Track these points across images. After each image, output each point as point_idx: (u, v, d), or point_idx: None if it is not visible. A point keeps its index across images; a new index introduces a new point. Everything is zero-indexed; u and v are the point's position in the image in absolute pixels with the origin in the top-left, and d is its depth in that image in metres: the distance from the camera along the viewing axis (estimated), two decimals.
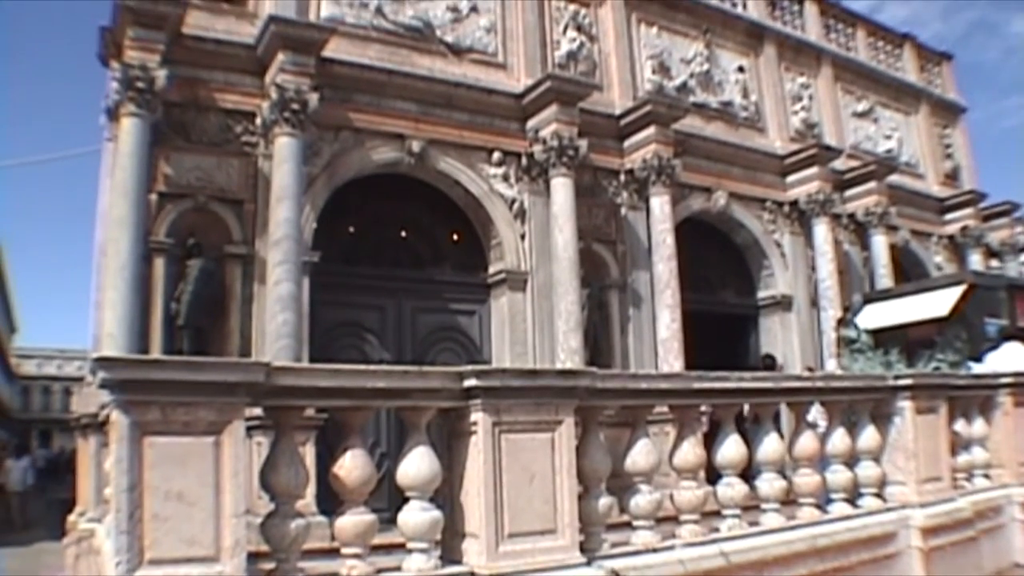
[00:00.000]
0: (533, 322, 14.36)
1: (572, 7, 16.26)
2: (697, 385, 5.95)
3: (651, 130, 15.38)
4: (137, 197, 11.38)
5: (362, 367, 4.98)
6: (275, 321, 11.62)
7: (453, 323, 14.62)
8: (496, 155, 14.55)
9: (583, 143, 14.52)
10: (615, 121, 15.79)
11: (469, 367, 4.72)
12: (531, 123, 14.74)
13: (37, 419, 62.50)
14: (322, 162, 13.23)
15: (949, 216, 22.20)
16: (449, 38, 14.82)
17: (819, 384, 7.13)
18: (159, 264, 11.77)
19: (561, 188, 14.35)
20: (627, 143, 15.80)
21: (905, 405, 7.28)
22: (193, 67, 12.48)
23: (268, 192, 12.35)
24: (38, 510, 23.68)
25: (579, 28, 16.12)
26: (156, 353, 11.18)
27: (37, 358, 68.23)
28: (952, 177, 23.03)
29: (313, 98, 12.41)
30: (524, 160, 14.69)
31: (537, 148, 14.52)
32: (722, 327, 17.92)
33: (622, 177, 15.78)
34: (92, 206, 13.06)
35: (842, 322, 15.10)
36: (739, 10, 19.05)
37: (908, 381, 7.30)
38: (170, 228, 11.98)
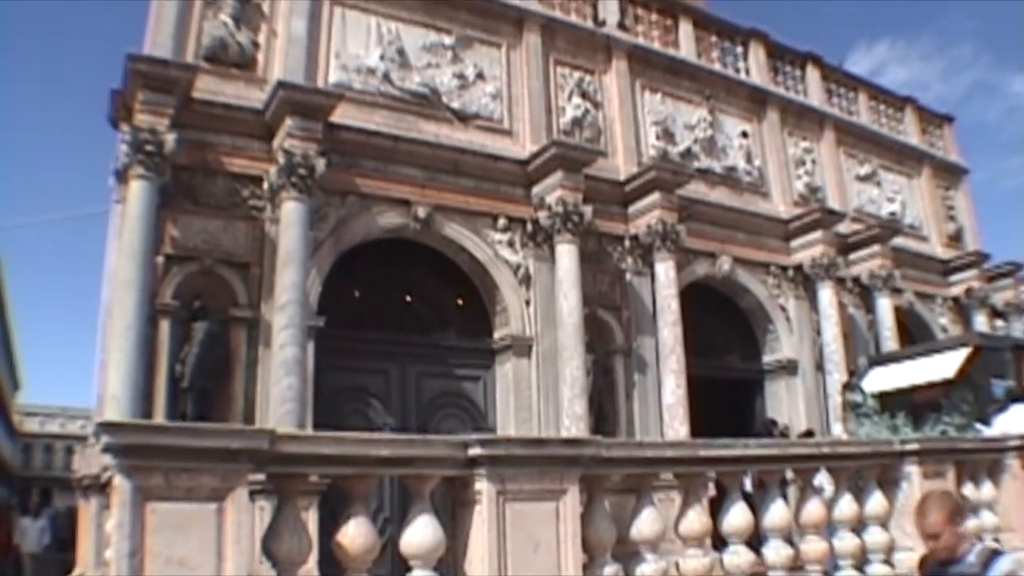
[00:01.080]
0: (538, 388, 14.32)
1: (577, 74, 16.54)
2: (703, 453, 5.93)
3: (655, 196, 15.49)
4: (144, 259, 11.45)
5: (366, 435, 4.99)
6: (279, 385, 11.61)
7: (458, 388, 14.58)
8: (501, 221, 14.67)
9: (588, 209, 14.61)
10: (620, 187, 15.91)
11: (473, 436, 4.73)
12: (536, 189, 14.87)
13: (38, 477, 61.94)
14: (328, 227, 13.32)
15: (953, 277, 22.17)
16: (455, 104, 15.03)
17: (825, 450, 7.10)
18: (164, 326, 11.78)
19: (566, 254, 14.43)
20: (632, 209, 15.91)
21: (912, 470, 7.23)
22: (202, 131, 12.64)
23: (274, 256, 12.42)
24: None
25: (584, 95, 16.36)
26: (160, 415, 11.21)
27: (40, 416, 67.84)
28: (956, 238, 23.08)
29: (320, 163, 12.56)
30: (529, 226, 14.79)
31: (542, 214, 14.63)
32: (727, 392, 17.82)
33: (627, 243, 15.85)
34: (99, 266, 13.15)
35: (847, 386, 15.05)
36: (742, 76, 19.33)
37: (915, 446, 7.26)
38: (176, 290, 12.02)
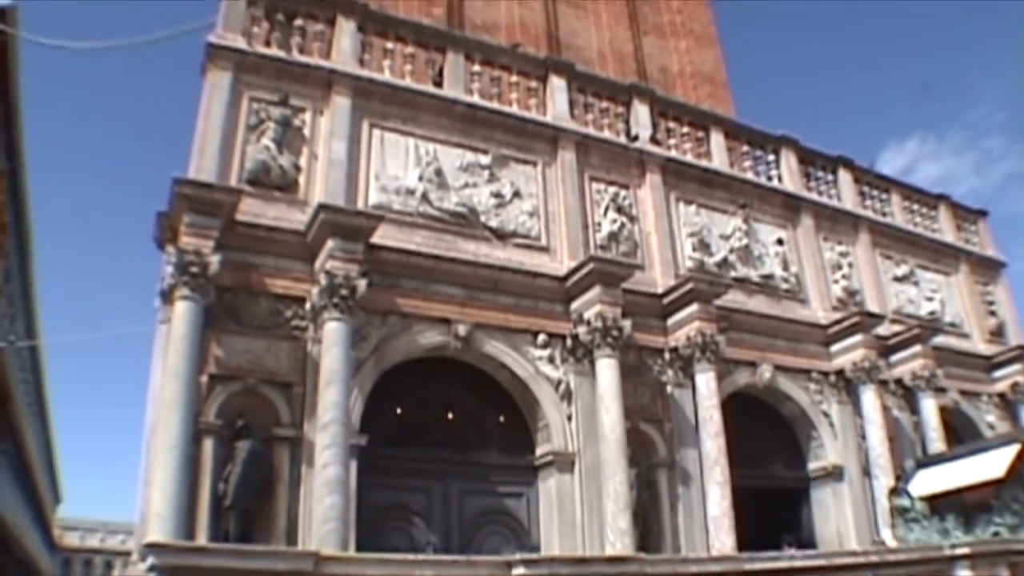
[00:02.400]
0: (581, 503, 14.19)
1: (612, 189, 16.83)
2: (748, 567, 5.91)
3: (694, 307, 15.56)
4: (188, 379, 11.63)
5: (410, 557, 5.03)
6: (322, 504, 11.62)
7: (500, 506, 14.50)
8: (541, 337, 14.77)
9: (627, 323, 14.70)
10: (658, 300, 16.03)
11: (517, 556, 4.75)
12: (575, 305, 15.00)
13: None
14: (370, 346, 13.47)
15: (998, 373, 21.85)
16: (493, 223, 15.29)
17: (873, 559, 7.03)
18: (208, 445, 11.90)
19: (606, 369, 14.45)
20: (670, 321, 15.99)
21: (964, 575, 7.12)
22: (245, 252, 12.97)
23: (317, 375, 12.56)
24: None
25: (619, 209, 16.61)
26: (203, 534, 11.29)
27: (80, 530, 67.94)
28: (997, 334, 22.84)
29: (361, 284, 12.79)
30: (569, 342, 14.88)
31: (581, 329, 14.72)
32: (773, 501, 17.59)
33: (667, 355, 15.87)
34: (144, 385, 13.37)
35: (894, 491, 14.83)
36: (775, 183, 19.56)
37: (965, 550, 7.20)
38: (220, 409, 12.17)
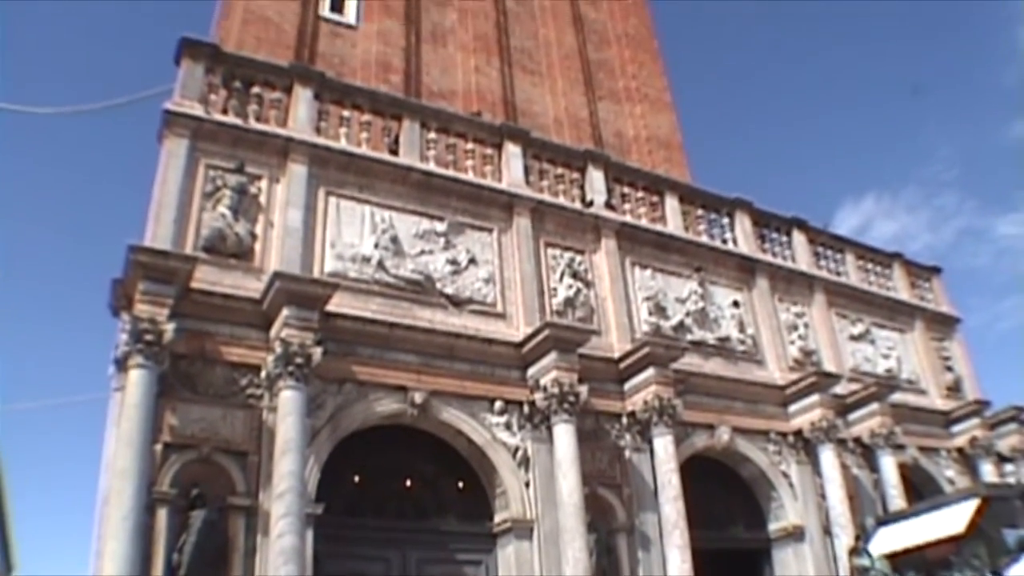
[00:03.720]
0: (541, 570, 14.05)
1: (568, 255, 16.97)
2: None
3: (650, 371, 15.62)
4: (142, 448, 11.47)
5: None
6: (278, 574, 11.47)
7: (459, 574, 14.35)
8: (498, 404, 14.75)
9: (583, 388, 14.73)
10: (615, 364, 16.08)
11: None
12: (531, 371, 15.04)
13: None
14: (326, 414, 13.40)
15: (956, 428, 21.96)
16: (449, 290, 15.35)
17: None
18: (162, 515, 11.69)
19: (564, 435, 14.45)
20: (627, 385, 16.02)
21: None
22: (200, 320, 12.90)
23: (272, 444, 12.46)
24: None
25: (575, 275, 16.73)
26: None
27: None
28: (954, 389, 23.01)
29: (317, 352, 12.77)
30: (526, 408, 14.87)
31: (538, 396, 14.74)
32: (734, 563, 17.55)
33: (624, 420, 15.88)
34: (97, 454, 13.20)
35: (854, 551, 14.80)
36: (729, 246, 19.78)
37: None
38: (174, 479, 12.00)
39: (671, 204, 19.29)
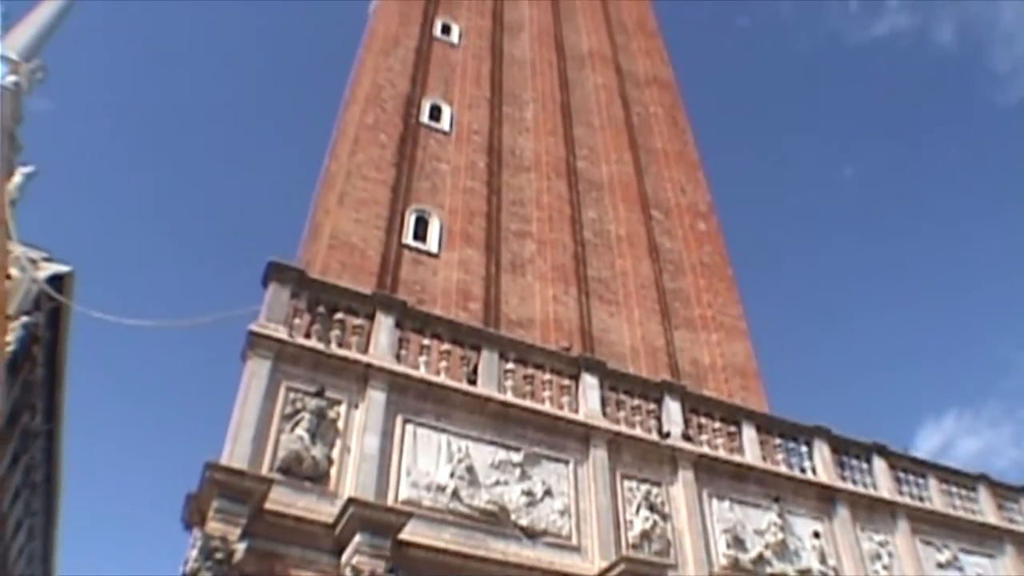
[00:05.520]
0: None
1: (644, 487, 16.81)
2: None
3: None
4: None
5: None
6: None
7: None
8: None
9: None
10: None
11: None
12: None
13: None
14: None
15: None
16: (524, 521, 15.23)
17: None
18: None
19: None
20: None
21: None
22: (271, 541, 12.93)
23: None
24: None
25: (651, 507, 16.52)
26: None
27: None
28: None
29: None
30: None
31: None
32: None
33: None
34: None
35: None
36: (809, 475, 19.38)
37: None
38: None
39: (748, 434, 19.13)
